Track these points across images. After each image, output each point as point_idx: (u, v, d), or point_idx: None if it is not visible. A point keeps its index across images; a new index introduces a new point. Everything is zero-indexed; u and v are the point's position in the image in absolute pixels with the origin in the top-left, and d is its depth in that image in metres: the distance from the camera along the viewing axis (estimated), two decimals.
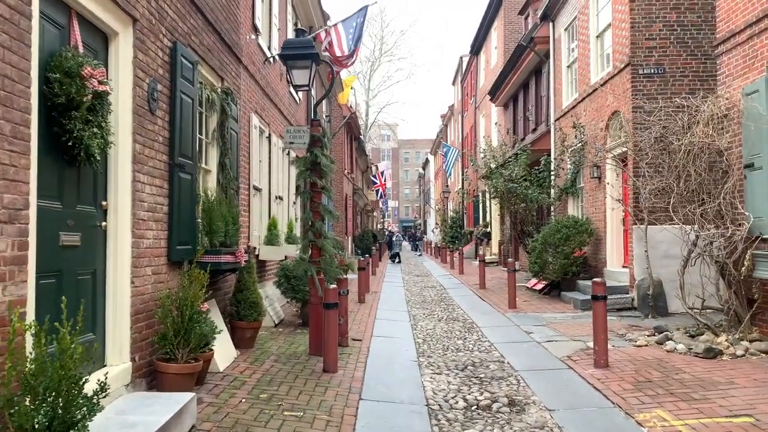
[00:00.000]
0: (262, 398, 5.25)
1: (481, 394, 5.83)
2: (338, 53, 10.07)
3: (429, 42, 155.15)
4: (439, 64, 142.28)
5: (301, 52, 6.83)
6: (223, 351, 6.30)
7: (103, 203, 4.41)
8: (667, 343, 7.57)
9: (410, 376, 6.49)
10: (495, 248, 24.47)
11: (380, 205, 52.25)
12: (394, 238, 31.31)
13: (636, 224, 10.39)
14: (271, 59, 9.79)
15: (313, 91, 13.33)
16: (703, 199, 7.45)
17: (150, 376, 4.93)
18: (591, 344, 7.91)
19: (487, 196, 17.77)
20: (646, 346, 7.72)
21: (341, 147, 26.18)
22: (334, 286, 6.39)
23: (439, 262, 28.08)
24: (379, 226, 58.13)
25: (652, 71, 10.52)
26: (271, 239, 9.01)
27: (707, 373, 6.14)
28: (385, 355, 7.47)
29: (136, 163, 4.69)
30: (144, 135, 4.82)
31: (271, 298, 9.25)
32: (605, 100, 11.94)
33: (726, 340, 7.03)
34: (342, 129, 25.69)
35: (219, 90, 6.89)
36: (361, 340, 8.16)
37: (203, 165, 6.68)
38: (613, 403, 5.39)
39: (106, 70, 4.32)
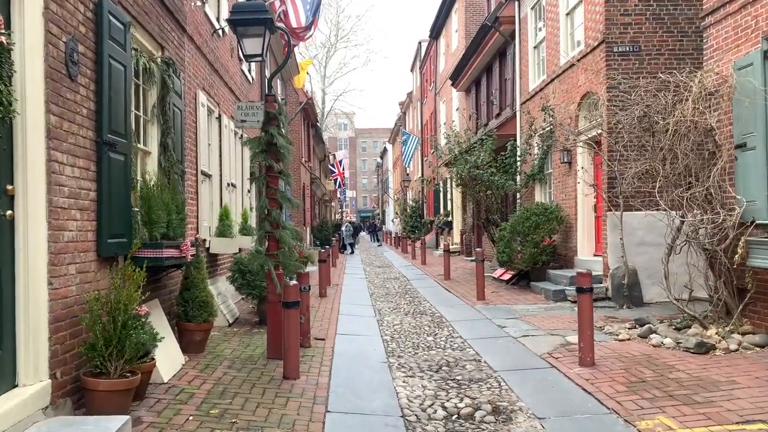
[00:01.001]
0: (212, 414, 4.49)
1: (461, 400, 5.21)
2: (294, 24, 9.24)
3: (386, 28, 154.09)
4: (396, 50, 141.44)
5: (253, 17, 6.01)
6: (169, 358, 5.49)
7: (8, 187, 3.56)
8: (651, 336, 7.12)
9: (381, 381, 5.82)
10: (456, 238, 24.04)
11: (338, 195, 51.39)
12: (343, 228, 30.47)
13: (611, 210, 9.97)
14: (220, 31, 8.89)
15: (267, 71, 12.45)
16: (690, 183, 6.99)
17: (77, 394, 4.11)
18: (570, 339, 7.43)
19: (449, 184, 17.26)
20: (629, 340, 7.26)
21: (298, 134, 25.22)
22: (294, 282, 5.65)
23: (399, 252, 27.54)
24: (337, 216, 57.27)
25: (628, 49, 10.08)
26: (223, 230, 8.18)
27: (704, 371, 5.67)
28: (351, 355, 6.79)
29: (52, 138, 3.84)
30: (62, 105, 3.97)
31: (225, 294, 8.43)
32: (576, 81, 11.47)
33: (716, 334, 6.61)
34: (298, 115, 24.73)
35: (159, 60, 6.02)
36: (324, 339, 7.45)
37: (141, 145, 5.82)
38: (609, 408, 4.84)
39: (7, 20, 3.46)
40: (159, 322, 5.64)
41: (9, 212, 3.54)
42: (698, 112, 6.99)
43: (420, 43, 35.91)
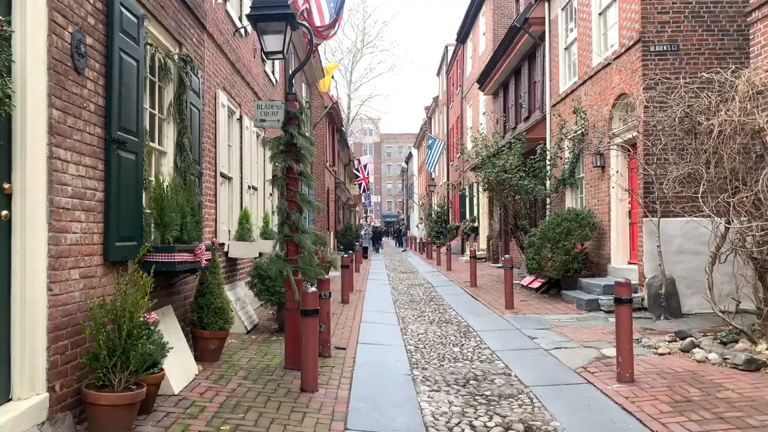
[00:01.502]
0: (223, 431, 4.20)
1: (491, 418, 4.84)
2: (318, 23, 8.98)
3: (412, 33, 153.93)
4: (422, 55, 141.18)
5: (273, 12, 5.75)
6: (181, 367, 5.23)
7: (5, 186, 3.32)
8: (694, 351, 6.65)
9: (404, 395, 5.48)
10: (483, 243, 23.56)
11: (363, 200, 51.19)
12: (362, 232, 30.07)
13: (647, 216, 9.50)
14: (242, 30, 8.68)
15: (290, 71, 12.25)
16: (736, 187, 6.52)
17: (78, 407, 3.86)
18: (606, 352, 7.00)
19: (475, 189, 16.83)
20: (670, 354, 6.80)
21: (323, 138, 25.06)
22: (313, 289, 5.35)
23: (424, 258, 27.14)
24: (361, 221, 57.09)
25: (665, 48, 9.61)
26: (243, 234, 7.93)
27: (756, 391, 5.20)
28: (373, 367, 6.45)
29: (55, 134, 3.60)
30: (66, 99, 3.73)
31: (243, 300, 8.18)
32: (610, 82, 11.01)
33: (767, 349, 6.12)
34: (323, 119, 24.57)
35: (176, 57, 5.80)
36: (345, 349, 7.14)
37: (156, 145, 5.59)
38: (653, 431, 4.43)
39: (7, 6, 3.23)
40: (171, 329, 5.39)
41: (4, 212, 3.30)
42: (745, 113, 6.52)
43: (446, 47, 35.54)
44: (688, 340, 6.98)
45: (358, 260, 19.15)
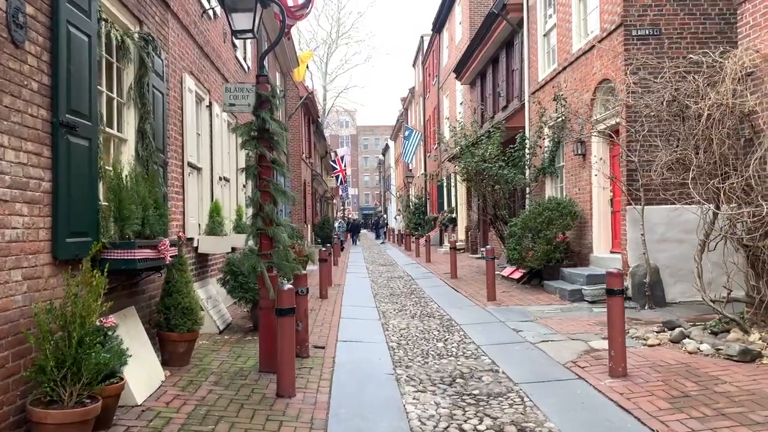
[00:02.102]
0: None
1: (481, 421, 4.53)
2: (290, 2, 8.55)
3: (388, 24, 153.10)
4: (398, 47, 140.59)
5: None
6: (145, 374, 4.82)
7: None
8: (685, 342, 6.44)
9: (388, 398, 5.14)
10: (461, 234, 23.36)
11: (340, 192, 50.70)
12: (336, 224, 29.64)
13: (630, 205, 9.29)
14: (210, 12, 8.20)
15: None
16: (726, 172, 6.30)
17: (24, 426, 3.44)
18: (594, 344, 6.77)
19: (452, 179, 16.54)
20: (660, 345, 6.58)
21: (298, 129, 24.55)
22: (289, 285, 4.98)
23: (403, 250, 26.85)
24: (339, 213, 56.63)
25: (647, 32, 9.38)
26: (214, 228, 7.50)
27: (755, 384, 4.98)
28: (354, 366, 6.11)
29: None
30: (2, 76, 3.29)
31: (216, 298, 7.76)
32: (591, 68, 10.78)
33: (761, 339, 5.93)
34: (299, 110, 24.06)
35: (135, 36, 5.34)
36: (324, 348, 6.78)
37: (115, 131, 5.15)
38: (653, 430, 4.16)
39: None
40: (134, 332, 4.97)
41: None
42: (735, 95, 6.30)
43: (422, 37, 35.17)
44: (678, 330, 6.76)
45: (336, 253, 18.76)
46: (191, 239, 7.16)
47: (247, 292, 7.18)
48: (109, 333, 3.93)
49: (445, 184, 26.20)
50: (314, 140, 31.53)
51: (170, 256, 5.02)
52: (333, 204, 51.37)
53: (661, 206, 9.35)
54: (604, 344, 6.72)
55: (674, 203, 9.39)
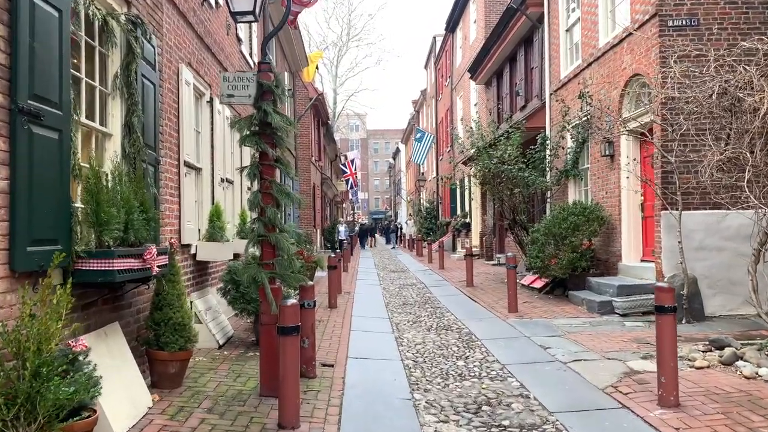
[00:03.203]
0: None
1: None
2: None
3: (399, 26, 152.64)
4: (409, 49, 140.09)
5: None
6: (128, 401, 4.20)
7: None
8: (739, 364, 5.73)
9: (405, 429, 4.49)
10: (475, 240, 22.64)
11: (350, 196, 50.12)
12: (341, 228, 28.98)
13: (666, 209, 8.58)
14: (212, 0, 7.61)
15: (269, 54, 11.16)
16: None
17: None
18: (633, 365, 6.06)
19: (467, 183, 15.84)
20: (709, 367, 5.87)
21: (308, 132, 23.99)
22: (293, 300, 4.34)
23: (414, 256, 26.16)
24: (349, 217, 56.05)
25: (684, 23, 8.68)
26: (214, 234, 6.88)
27: None
28: (366, 389, 5.46)
29: None
30: None
31: (216, 309, 7.14)
32: (620, 63, 10.08)
33: None
34: (308, 112, 23.51)
35: (122, 17, 4.73)
36: (333, 366, 6.13)
37: (98, 124, 4.54)
38: None
39: None
40: (118, 352, 4.35)
41: None
42: None
43: (434, 38, 34.54)
44: (729, 350, 6.05)
45: (346, 259, 18.13)
46: (188, 246, 6.54)
47: (249, 303, 6.56)
48: (80, 358, 3.31)
49: (458, 188, 25.49)
50: (324, 143, 30.97)
51: (158, 266, 4.40)
52: (342, 208, 50.79)
53: (699, 211, 8.65)
54: (646, 365, 6.05)
55: (714, 208, 8.71)
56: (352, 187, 37.98)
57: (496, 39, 17.29)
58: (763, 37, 6.13)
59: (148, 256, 4.19)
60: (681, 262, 8.30)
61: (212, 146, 7.72)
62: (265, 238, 4.93)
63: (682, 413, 4.57)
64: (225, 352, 6.50)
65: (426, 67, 40.09)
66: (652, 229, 9.63)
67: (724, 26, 8.66)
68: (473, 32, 23.24)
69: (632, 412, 4.71)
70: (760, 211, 5.89)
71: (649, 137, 8.70)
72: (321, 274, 14.45)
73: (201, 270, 7.08)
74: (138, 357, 5.09)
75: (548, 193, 13.39)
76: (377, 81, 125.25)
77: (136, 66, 4.78)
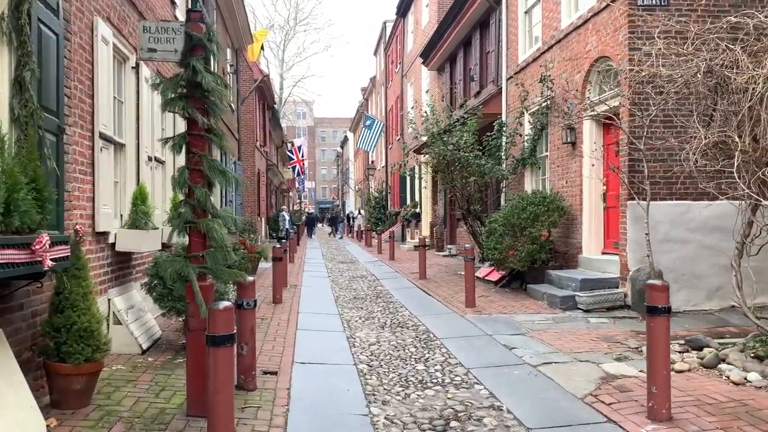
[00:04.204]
0: None
1: None
2: None
3: (349, 12, 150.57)
4: (358, 36, 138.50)
5: None
6: (10, 429, 3.28)
7: None
8: (723, 367, 5.27)
9: None
10: (425, 230, 22.10)
11: (297, 185, 48.84)
12: (285, 214, 27.98)
13: (633, 199, 8.14)
14: None
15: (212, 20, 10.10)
16: None
17: None
18: (608, 368, 5.54)
19: (416, 172, 15.20)
20: (690, 371, 5.41)
21: (252, 115, 22.79)
22: (227, 303, 3.51)
23: (363, 246, 25.43)
24: (296, 206, 54.77)
25: (654, 2, 8.24)
26: (137, 220, 5.91)
27: None
28: (315, 401, 4.69)
29: None
30: None
31: (140, 307, 6.19)
32: (584, 45, 9.58)
33: None
34: (253, 94, 22.32)
35: None
36: (276, 373, 5.32)
37: None
38: None
39: None
40: None
41: None
42: None
43: (384, 23, 33.73)
44: (709, 352, 5.61)
45: (293, 249, 17.21)
46: (105, 234, 5.55)
47: (179, 300, 5.64)
48: None
49: (408, 177, 24.87)
50: (270, 128, 29.74)
51: (54, 259, 3.48)
52: (289, 197, 49.49)
53: (666, 202, 8.25)
54: (622, 369, 5.53)
55: (680, 199, 8.33)
56: (299, 175, 36.81)
57: (450, 22, 16.67)
58: (754, 11, 5.63)
59: (37, 246, 3.28)
60: (648, 255, 7.87)
61: (138, 119, 6.71)
62: (194, 225, 4.06)
63: (677, 428, 4.02)
64: (149, 359, 5.57)
65: (376, 53, 39.25)
66: (614, 220, 9.21)
67: (693, 8, 8.27)
68: (425, 16, 22.58)
69: (620, 427, 4.13)
70: (744, 202, 5.41)
71: (617, 122, 8.21)
72: (265, 266, 13.53)
73: (122, 262, 6.10)
74: (35, 371, 4.15)
75: (503, 183, 12.88)
76: (325, 67, 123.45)
77: (29, 6, 3.80)
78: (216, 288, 4.42)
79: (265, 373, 5.27)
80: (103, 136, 5.40)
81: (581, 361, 5.86)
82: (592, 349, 6.30)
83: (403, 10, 26.65)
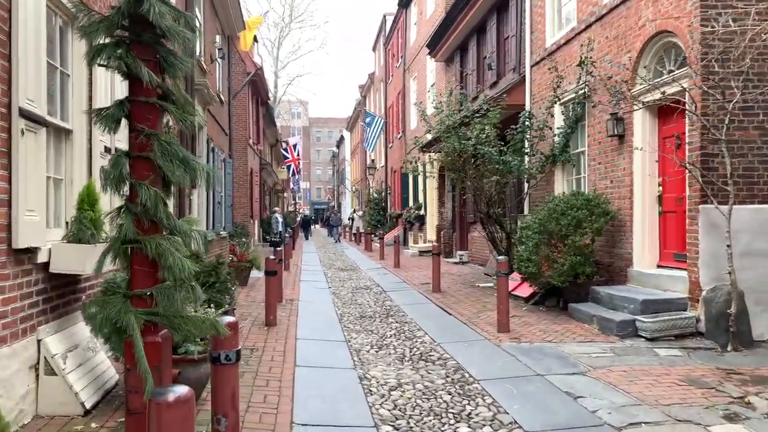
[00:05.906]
0: None
1: None
2: None
3: (345, 10, 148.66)
4: (356, 33, 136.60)
5: None
6: None
7: None
8: None
9: None
10: (431, 234, 20.57)
11: (291, 185, 47.18)
12: (278, 216, 26.46)
13: (706, 202, 6.67)
14: None
15: None
16: None
17: None
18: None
19: (421, 170, 13.77)
20: None
21: (245, 110, 21.26)
22: (180, 391, 1.97)
23: (363, 251, 23.87)
24: (290, 207, 53.18)
25: None
26: (82, 231, 4.34)
27: None
28: None
29: None
30: None
31: (89, 347, 4.64)
32: (636, 20, 8.09)
33: None
34: (246, 88, 20.77)
35: None
36: None
37: None
38: None
39: None
40: None
41: None
42: None
43: (385, 16, 32.23)
44: None
45: (288, 255, 15.66)
46: (31, 251, 3.98)
47: None
48: None
49: (411, 177, 23.33)
50: (263, 125, 28.16)
51: None
52: (284, 197, 47.88)
53: (746, 206, 6.79)
54: None
55: (763, 202, 6.87)
56: (294, 174, 35.19)
57: (462, 7, 15.16)
58: None
59: None
60: (729, 272, 6.40)
61: (91, 99, 5.17)
62: (137, 245, 2.53)
63: None
64: (93, 424, 4.01)
65: (374, 48, 37.74)
66: (674, 227, 7.74)
67: None
68: (431, 5, 21.08)
69: None
70: None
71: (690, 107, 6.72)
72: (257, 274, 11.99)
73: (62, 287, 4.53)
74: None
75: (528, 183, 11.38)
76: (321, 66, 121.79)
77: None
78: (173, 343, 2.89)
79: None
80: (27, 116, 3.85)
81: (679, 420, 4.36)
82: (684, 400, 4.80)
83: (405, 1, 25.13)
